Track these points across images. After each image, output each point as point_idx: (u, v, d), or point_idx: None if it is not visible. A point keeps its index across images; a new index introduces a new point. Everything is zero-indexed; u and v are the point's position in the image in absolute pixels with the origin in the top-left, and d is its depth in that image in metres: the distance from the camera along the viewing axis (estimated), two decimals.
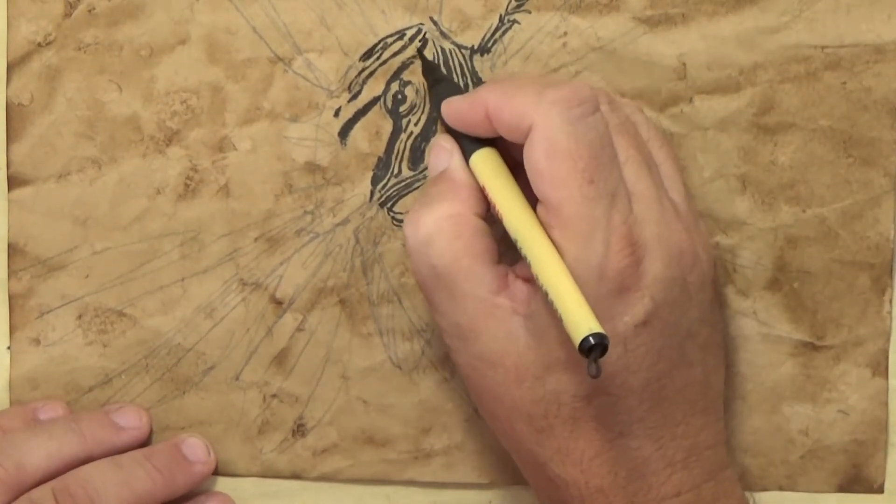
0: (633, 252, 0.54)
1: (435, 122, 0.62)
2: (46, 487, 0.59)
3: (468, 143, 0.58)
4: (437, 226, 0.56)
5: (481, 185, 0.57)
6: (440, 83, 0.61)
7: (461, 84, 0.62)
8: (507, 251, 0.57)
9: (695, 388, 0.57)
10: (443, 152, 0.59)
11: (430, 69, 0.62)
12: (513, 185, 0.57)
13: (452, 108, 0.58)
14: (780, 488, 0.64)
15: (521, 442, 0.57)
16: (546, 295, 0.53)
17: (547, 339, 0.55)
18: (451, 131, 0.59)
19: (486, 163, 0.57)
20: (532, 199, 0.56)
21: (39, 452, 0.60)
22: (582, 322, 0.51)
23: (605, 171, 0.54)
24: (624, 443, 0.56)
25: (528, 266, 0.54)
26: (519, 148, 0.56)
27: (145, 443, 0.64)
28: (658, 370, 0.55)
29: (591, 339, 0.51)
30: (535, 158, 0.54)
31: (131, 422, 0.63)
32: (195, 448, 0.63)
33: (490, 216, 0.57)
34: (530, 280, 0.56)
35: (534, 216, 0.55)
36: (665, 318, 0.55)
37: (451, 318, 0.57)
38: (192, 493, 0.63)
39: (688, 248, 0.56)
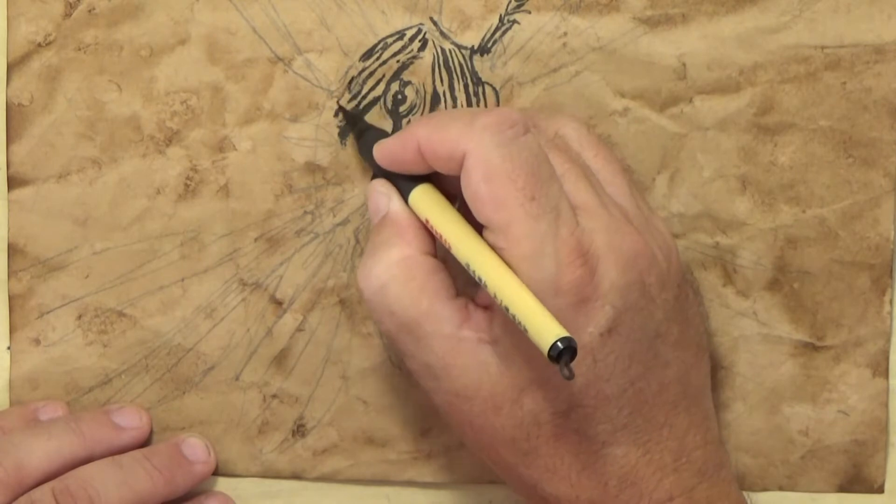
0: (586, 262, 0.54)
1: None
2: (46, 487, 0.59)
3: (404, 182, 0.58)
4: (389, 272, 0.56)
5: (424, 221, 0.57)
6: (365, 132, 0.61)
7: (459, 96, 0.62)
8: (464, 285, 0.57)
9: (673, 387, 0.57)
10: (380, 197, 0.58)
11: (352, 119, 0.62)
12: (456, 215, 0.57)
13: (384, 149, 0.58)
14: (780, 488, 0.64)
15: (509, 467, 0.57)
16: (507, 312, 0.53)
17: (516, 361, 0.55)
18: (385, 174, 0.59)
19: (425, 198, 0.57)
20: (476, 227, 0.56)
21: (39, 452, 0.60)
22: (545, 330, 0.51)
23: (545, 187, 0.54)
24: (609, 452, 0.56)
25: (486, 291, 0.54)
26: (454, 180, 0.56)
27: (145, 443, 0.64)
28: (632, 375, 0.55)
29: (558, 344, 0.51)
30: (474, 184, 0.54)
31: (131, 422, 0.63)
32: (195, 448, 0.63)
33: (440, 252, 0.57)
34: (490, 306, 0.56)
35: (481, 240, 0.55)
36: (629, 323, 0.55)
37: (420, 359, 0.57)
38: (192, 493, 0.63)
39: (642, 250, 0.56)
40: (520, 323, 0.52)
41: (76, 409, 0.64)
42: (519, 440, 0.56)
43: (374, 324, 0.63)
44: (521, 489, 0.58)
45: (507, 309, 0.53)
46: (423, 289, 0.56)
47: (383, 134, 0.60)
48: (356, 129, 0.62)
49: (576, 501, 0.56)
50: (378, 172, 0.59)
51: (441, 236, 0.56)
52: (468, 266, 0.55)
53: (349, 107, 0.62)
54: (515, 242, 0.54)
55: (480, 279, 0.54)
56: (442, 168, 0.56)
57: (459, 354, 0.56)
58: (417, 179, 0.58)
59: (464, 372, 0.56)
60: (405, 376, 0.64)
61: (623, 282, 0.55)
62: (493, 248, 0.55)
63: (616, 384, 0.55)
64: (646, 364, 0.56)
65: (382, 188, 0.59)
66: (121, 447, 0.62)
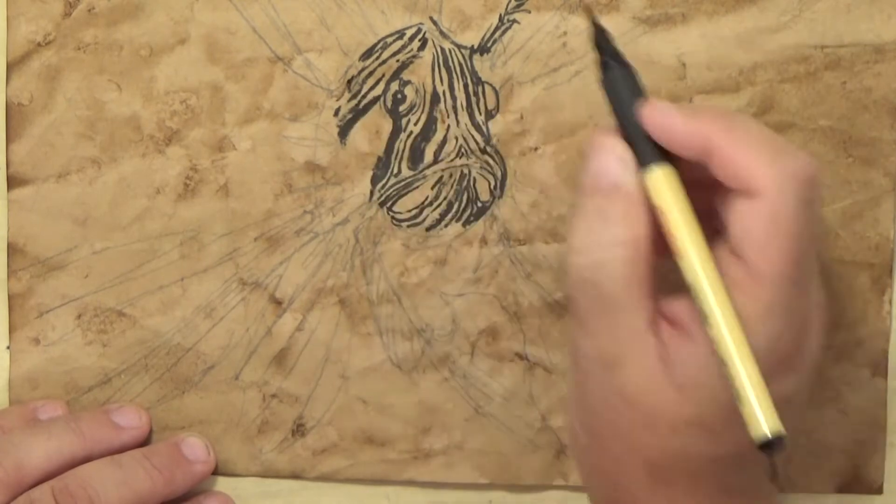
0: (803, 335, 0.53)
1: (434, 122, 0.62)
2: (46, 487, 0.59)
3: (646, 153, 0.54)
4: (612, 251, 0.53)
5: (657, 206, 0.53)
6: (614, 66, 0.55)
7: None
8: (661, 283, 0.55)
9: None
10: (617, 163, 0.54)
11: (603, 41, 0.56)
12: (695, 221, 0.53)
13: (661, 121, 0.54)
14: (780, 489, 0.64)
15: (621, 481, 0.55)
16: (724, 369, 0.51)
17: (696, 397, 0.53)
18: (626, 132, 0.54)
19: (667, 187, 0.53)
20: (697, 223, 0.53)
21: (39, 452, 0.60)
22: (765, 417, 0.50)
23: (810, 253, 0.53)
24: (725, 500, 0.55)
25: (688, 307, 0.52)
26: (690, 164, 0.53)
27: (145, 442, 0.64)
28: None
29: (775, 439, 0.50)
30: (759, 227, 0.52)
31: (131, 421, 0.63)
32: (195, 447, 0.63)
33: (657, 240, 0.54)
34: (677, 325, 0.53)
35: (715, 265, 0.52)
36: (802, 391, 0.54)
37: (599, 341, 0.54)
38: (192, 493, 0.63)
39: (825, 324, 0.55)
40: (735, 390, 0.51)
41: (76, 409, 0.64)
42: (657, 465, 0.54)
43: (564, 290, 0.60)
44: (604, 494, 0.56)
45: (725, 367, 0.51)
46: (638, 277, 0.53)
47: (633, 83, 0.55)
48: (604, 56, 0.55)
49: None
50: (618, 114, 0.54)
51: (673, 240, 0.53)
52: (696, 294, 0.52)
53: (349, 106, 0.62)
54: (763, 296, 0.52)
55: (706, 318, 0.52)
56: (721, 178, 0.53)
57: (639, 356, 0.53)
58: (656, 153, 0.54)
59: (635, 375, 0.53)
60: (405, 376, 0.64)
61: (816, 357, 0.54)
62: (730, 277, 0.52)
63: None
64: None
65: (622, 153, 0.54)
66: (120, 447, 0.62)
